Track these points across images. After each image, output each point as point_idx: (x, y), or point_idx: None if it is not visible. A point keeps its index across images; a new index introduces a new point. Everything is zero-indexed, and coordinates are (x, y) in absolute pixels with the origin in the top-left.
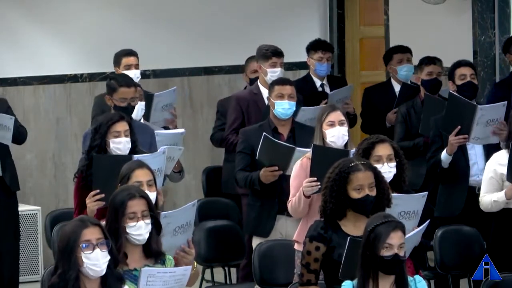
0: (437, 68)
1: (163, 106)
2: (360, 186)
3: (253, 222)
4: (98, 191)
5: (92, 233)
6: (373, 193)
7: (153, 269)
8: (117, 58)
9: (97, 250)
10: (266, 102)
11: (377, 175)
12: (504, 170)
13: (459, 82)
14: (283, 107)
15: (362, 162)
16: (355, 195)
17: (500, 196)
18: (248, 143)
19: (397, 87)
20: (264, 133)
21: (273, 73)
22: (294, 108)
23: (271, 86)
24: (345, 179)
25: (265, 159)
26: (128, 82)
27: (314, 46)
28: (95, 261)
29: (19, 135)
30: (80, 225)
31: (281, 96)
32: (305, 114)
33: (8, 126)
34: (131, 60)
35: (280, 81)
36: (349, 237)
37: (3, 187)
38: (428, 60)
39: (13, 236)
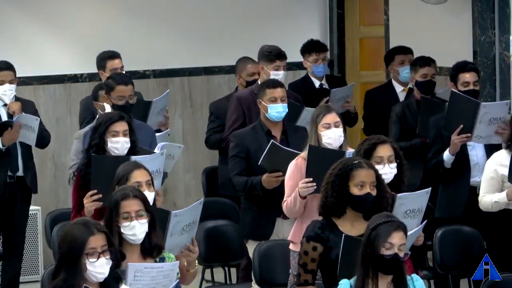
0: (431, 70)
1: (158, 111)
2: (362, 183)
3: (248, 226)
4: (95, 191)
5: (97, 241)
6: (374, 192)
7: (140, 264)
8: (102, 62)
9: (102, 258)
10: None
11: (378, 177)
12: (505, 171)
13: (461, 88)
14: (277, 111)
15: (365, 161)
16: (356, 191)
17: (501, 197)
18: (243, 146)
19: (398, 88)
20: (272, 140)
21: (276, 76)
22: (287, 110)
23: (261, 89)
24: (347, 174)
25: (268, 165)
26: (125, 80)
27: (308, 49)
28: (99, 269)
29: (43, 139)
30: (86, 231)
31: (274, 100)
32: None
33: (33, 127)
34: (116, 63)
35: (271, 84)
36: (343, 234)
37: (23, 188)
38: (423, 62)
39: (22, 238)
